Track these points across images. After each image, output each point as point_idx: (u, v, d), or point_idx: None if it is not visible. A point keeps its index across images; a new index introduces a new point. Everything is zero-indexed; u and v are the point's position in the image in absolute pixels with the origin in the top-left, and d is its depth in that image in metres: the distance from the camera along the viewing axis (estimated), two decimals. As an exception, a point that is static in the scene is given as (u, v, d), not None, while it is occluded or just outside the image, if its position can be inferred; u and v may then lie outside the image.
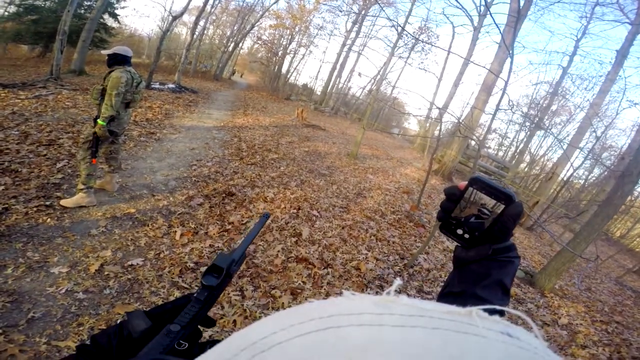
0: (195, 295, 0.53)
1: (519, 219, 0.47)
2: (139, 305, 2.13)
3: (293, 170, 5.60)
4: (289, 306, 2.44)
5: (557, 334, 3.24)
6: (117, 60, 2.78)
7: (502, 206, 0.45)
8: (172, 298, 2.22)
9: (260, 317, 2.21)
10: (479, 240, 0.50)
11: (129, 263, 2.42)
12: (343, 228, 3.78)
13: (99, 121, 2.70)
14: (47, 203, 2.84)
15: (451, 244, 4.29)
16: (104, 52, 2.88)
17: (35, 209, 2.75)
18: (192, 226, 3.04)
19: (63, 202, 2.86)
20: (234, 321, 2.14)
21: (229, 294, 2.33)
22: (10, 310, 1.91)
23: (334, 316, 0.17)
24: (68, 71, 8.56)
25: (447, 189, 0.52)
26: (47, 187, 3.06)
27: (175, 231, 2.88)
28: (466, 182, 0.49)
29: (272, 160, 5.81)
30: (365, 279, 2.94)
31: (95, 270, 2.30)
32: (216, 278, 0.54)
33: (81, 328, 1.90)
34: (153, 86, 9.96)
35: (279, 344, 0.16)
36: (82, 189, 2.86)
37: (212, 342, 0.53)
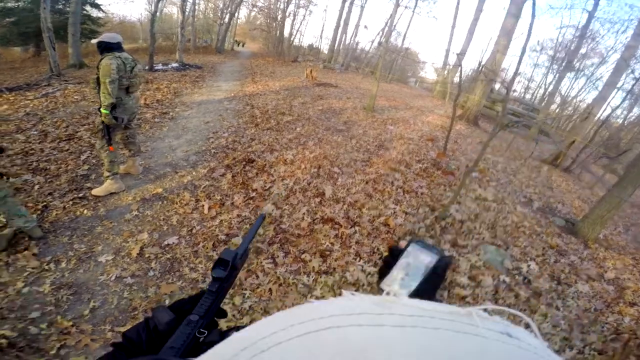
0: (207, 287, 0.58)
1: (446, 271, 0.50)
2: (182, 283, 2.25)
3: (309, 130, 5.44)
4: (320, 269, 2.50)
5: (603, 289, 3.02)
6: (105, 48, 2.72)
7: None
8: (208, 272, 2.33)
9: (293, 284, 2.28)
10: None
11: (166, 243, 2.53)
12: (367, 183, 3.67)
13: (102, 110, 2.71)
14: (80, 195, 2.98)
15: (484, 192, 4.08)
16: (93, 41, 2.83)
17: (71, 202, 2.89)
18: (218, 198, 3.09)
19: (94, 191, 2.99)
20: (270, 290, 2.21)
21: (261, 263, 2.39)
22: (74, 302, 2.08)
23: (334, 316, 0.17)
24: (68, 66, 8.56)
25: (392, 247, 0.56)
26: (77, 179, 3.18)
27: (203, 205, 2.95)
28: (406, 242, 0.52)
29: (287, 123, 5.66)
30: (394, 235, 2.89)
31: (137, 254, 2.43)
32: (224, 270, 0.59)
33: (136, 312, 2.04)
34: (156, 68, 9.79)
35: (279, 344, 0.16)
36: (108, 176, 2.97)
37: (237, 328, 0.56)
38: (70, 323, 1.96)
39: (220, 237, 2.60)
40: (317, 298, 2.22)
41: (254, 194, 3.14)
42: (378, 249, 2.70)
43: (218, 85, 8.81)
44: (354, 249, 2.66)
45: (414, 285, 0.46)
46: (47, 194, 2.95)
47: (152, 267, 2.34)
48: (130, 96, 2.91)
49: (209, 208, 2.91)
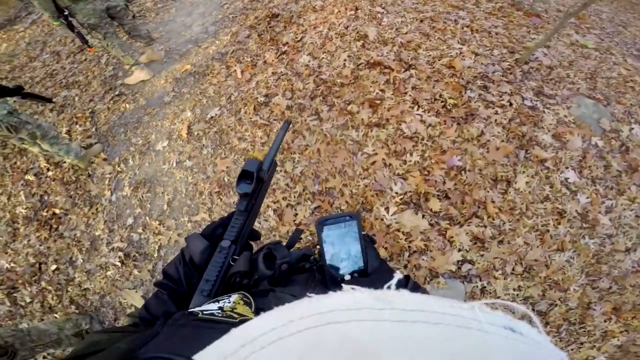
0: (236, 206, 0.56)
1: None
2: (234, 156, 2.25)
3: (336, -30, 4.28)
4: (370, 121, 2.24)
5: None
6: None
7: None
8: (256, 139, 2.26)
9: (341, 140, 2.10)
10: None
11: (209, 116, 2.48)
12: (422, 21, 2.91)
13: (54, 22, 2.40)
14: (117, 93, 2.97)
15: (582, 38, 3.00)
16: None
17: (111, 101, 2.92)
18: (249, 60, 2.82)
19: (126, 80, 2.99)
20: (318, 150, 2.08)
21: (305, 120, 2.21)
22: (152, 199, 2.26)
23: (334, 311, 0.17)
24: None
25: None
26: (107, 81, 3.15)
27: (235, 70, 2.74)
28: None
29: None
30: (462, 78, 2.33)
31: (186, 133, 2.45)
32: (249, 184, 0.56)
33: (203, 197, 2.14)
34: None
35: (278, 340, 0.16)
36: (131, 66, 2.87)
37: (266, 247, 0.56)
38: (157, 222, 2.17)
39: (260, 99, 2.43)
40: (368, 155, 2.06)
41: (285, 47, 2.77)
42: (441, 95, 2.24)
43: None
44: (410, 95, 2.25)
45: (356, 254, 0.49)
46: (88, 102, 3.01)
47: (204, 145, 2.37)
48: (79, 3, 2.36)
49: (242, 72, 2.69)
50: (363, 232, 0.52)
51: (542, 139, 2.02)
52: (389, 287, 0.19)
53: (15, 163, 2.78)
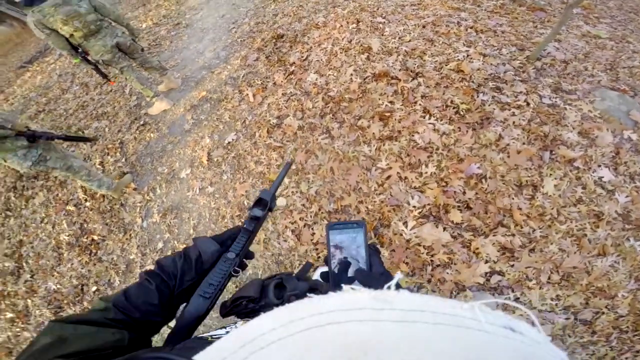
0: (244, 226, 0.60)
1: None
2: (252, 180, 2.32)
3: (336, -16, 4.33)
4: (381, 135, 2.21)
5: None
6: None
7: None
8: (272, 162, 2.33)
9: (354, 157, 2.11)
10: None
11: (227, 141, 2.60)
12: (424, 27, 2.87)
13: (74, 60, 2.65)
14: (142, 122, 3.16)
15: (593, 29, 2.82)
16: None
17: (137, 131, 3.11)
18: (259, 82, 2.93)
19: (149, 111, 3.19)
20: (331, 168, 2.10)
21: (317, 140, 2.25)
22: (179, 224, 2.39)
23: (334, 312, 0.17)
24: None
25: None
26: (132, 111, 3.35)
27: (247, 94, 2.85)
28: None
29: (308, -16, 4.58)
30: (472, 82, 2.26)
31: (207, 160, 2.57)
32: (261, 210, 0.62)
33: (225, 220, 2.24)
34: None
35: (278, 340, 0.16)
36: (152, 97, 3.05)
37: (275, 277, 0.59)
38: (185, 245, 2.26)
39: (272, 122, 2.51)
40: (382, 170, 2.03)
41: (293, 67, 2.84)
42: (452, 102, 2.19)
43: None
44: (420, 104, 2.22)
45: (361, 260, 0.51)
46: (117, 132, 3.22)
47: (223, 170, 2.47)
48: (91, 40, 2.57)
49: (254, 95, 2.80)
50: (369, 242, 0.54)
51: (568, 138, 1.91)
52: (389, 288, 0.19)
53: (57, 195, 3.03)
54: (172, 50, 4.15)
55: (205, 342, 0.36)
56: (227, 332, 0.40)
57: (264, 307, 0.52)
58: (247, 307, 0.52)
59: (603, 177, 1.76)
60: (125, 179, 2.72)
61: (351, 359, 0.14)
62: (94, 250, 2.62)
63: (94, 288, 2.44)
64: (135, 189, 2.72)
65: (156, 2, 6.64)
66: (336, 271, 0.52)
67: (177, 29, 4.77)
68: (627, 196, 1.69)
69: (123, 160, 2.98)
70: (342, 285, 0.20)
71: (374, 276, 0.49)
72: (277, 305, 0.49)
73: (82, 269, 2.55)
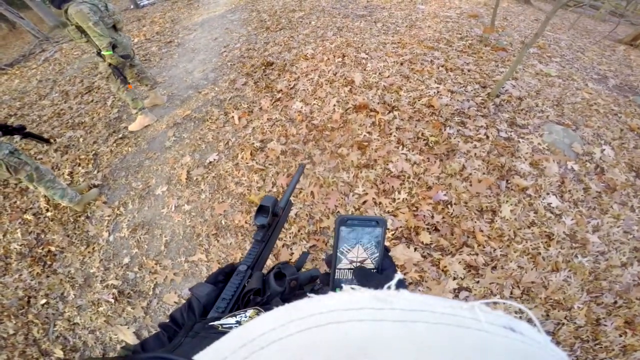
0: (253, 237, 0.61)
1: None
2: (231, 200, 2.33)
3: (325, 21, 4.70)
4: (359, 163, 2.35)
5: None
6: None
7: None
8: (253, 184, 2.36)
9: (333, 182, 2.20)
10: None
11: (208, 161, 2.60)
12: (401, 64, 3.18)
13: (104, 52, 2.60)
14: (120, 136, 3.10)
15: (546, 67, 3.30)
16: None
17: (114, 144, 3.05)
18: (245, 106, 3.01)
19: (130, 127, 3.13)
20: (312, 193, 2.19)
21: (298, 164, 2.34)
22: (150, 240, 2.31)
23: (334, 311, 0.17)
24: (52, 29, 8.10)
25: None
26: (112, 123, 3.29)
27: (233, 116, 2.91)
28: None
29: (299, 19, 4.95)
30: (441, 116, 2.53)
31: (186, 178, 2.55)
32: (265, 218, 0.62)
33: (200, 238, 2.20)
34: (142, 4, 8.72)
35: (278, 340, 0.16)
36: (137, 112, 3.03)
37: (278, 266, 0.61)
38: (154, 262, 2.20)
39: (256, 145, 2.57)
40: (359, 196, 2.14)
41: (279, 94, 2.98)
42: (423, 134, 2.42)
43: (215, 0, 7.79)
44: (394, 136, 2.42)
45: (373, 261, 0.45)
46: (92, 143, 3.13)
47: (202, 189, 2.46)
48: (121, 34, 2.75)
49: (239, 118, 2.87)
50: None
51: (521, 168, 2.15)
52: (389, 288, 0.19)
53: (15, 202, 2.83)
54: (161, 67, 4.19)
55: (216, 332, 0.40)
56: (237, 321, 0.43)
57: (270, 297, 0.55)
58: (256, 300, 0.54)
59: (551, 203, 1.99)
60: (91, 193, 2.62)
61: (351, 359, 0.14)
62: (48, 262, 2.42)
63: (43, 301, 2.23)
64: (105, 202, 2.61)
65: (151, 19, 6.80)
66: (340, 272, 0.48)
67: (169, 47, 4.85)
68: (572, 219, 1.91)
69: (95, 172, 2.87)
70: (342, 285, 0.20)
71: (374, 276, 0.46)
72: (280, 292, 0.55)
73: (31, 280, 2.34)
